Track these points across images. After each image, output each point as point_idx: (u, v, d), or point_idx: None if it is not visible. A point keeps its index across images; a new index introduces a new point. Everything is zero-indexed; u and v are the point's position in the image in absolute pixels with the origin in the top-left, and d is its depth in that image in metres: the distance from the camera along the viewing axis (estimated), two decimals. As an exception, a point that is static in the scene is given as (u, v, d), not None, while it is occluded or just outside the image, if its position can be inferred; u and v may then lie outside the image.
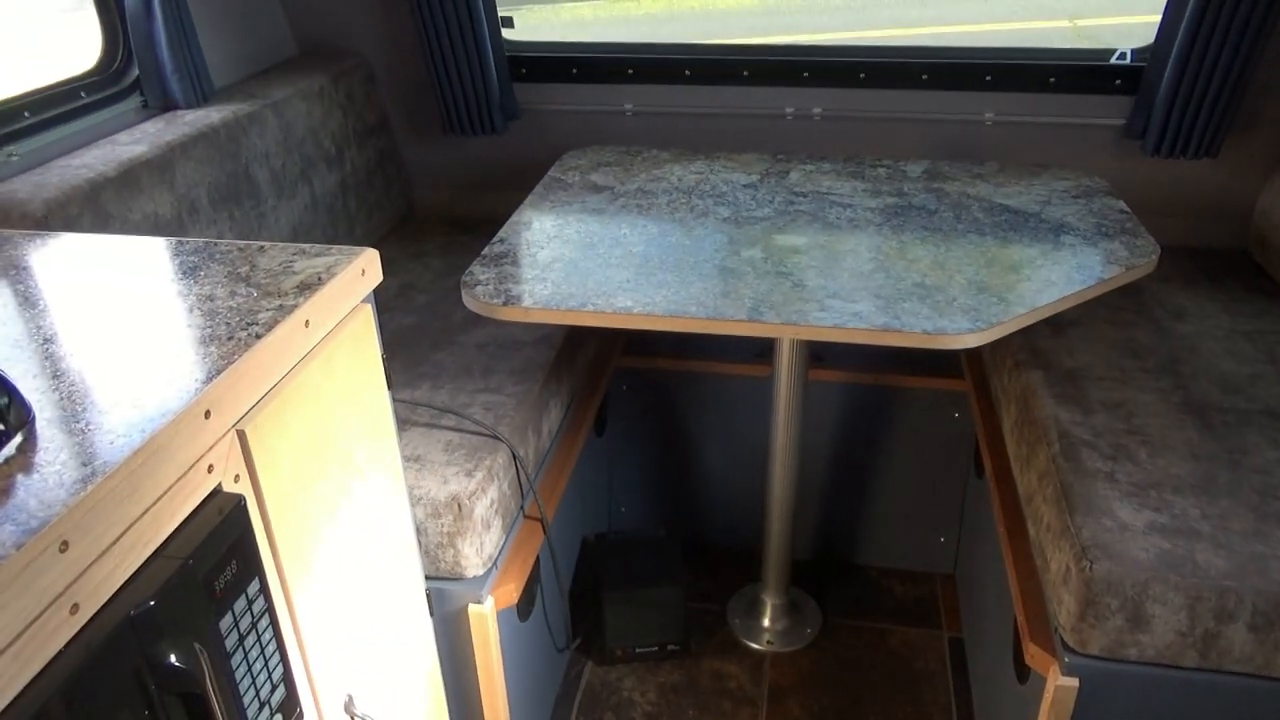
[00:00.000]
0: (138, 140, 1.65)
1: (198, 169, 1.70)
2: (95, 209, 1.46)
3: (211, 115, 1.80)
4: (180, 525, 0.82)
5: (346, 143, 2.22)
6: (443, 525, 1.44)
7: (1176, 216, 2.25)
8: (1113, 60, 2.19)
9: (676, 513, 2.43)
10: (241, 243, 1.19)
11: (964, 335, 1.34)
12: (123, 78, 1.77)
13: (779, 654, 2.17)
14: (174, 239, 1.21)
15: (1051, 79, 2.18)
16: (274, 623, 0.93)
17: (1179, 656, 1.30)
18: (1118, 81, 2.16)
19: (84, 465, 0.75)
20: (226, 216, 1.76)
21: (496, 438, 1.56)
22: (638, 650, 2.12)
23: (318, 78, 2.15)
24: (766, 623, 2.22)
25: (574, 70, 2.34)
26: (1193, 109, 2.07)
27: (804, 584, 2.33)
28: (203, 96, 1.86)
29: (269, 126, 1.93)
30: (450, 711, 1.54)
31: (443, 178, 2.55)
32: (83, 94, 1.68)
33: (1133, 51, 2.18)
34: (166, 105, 1.82)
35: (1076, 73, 2.18)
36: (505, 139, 2.45)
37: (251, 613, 0.89)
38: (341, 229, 2.19)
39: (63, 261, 1.16)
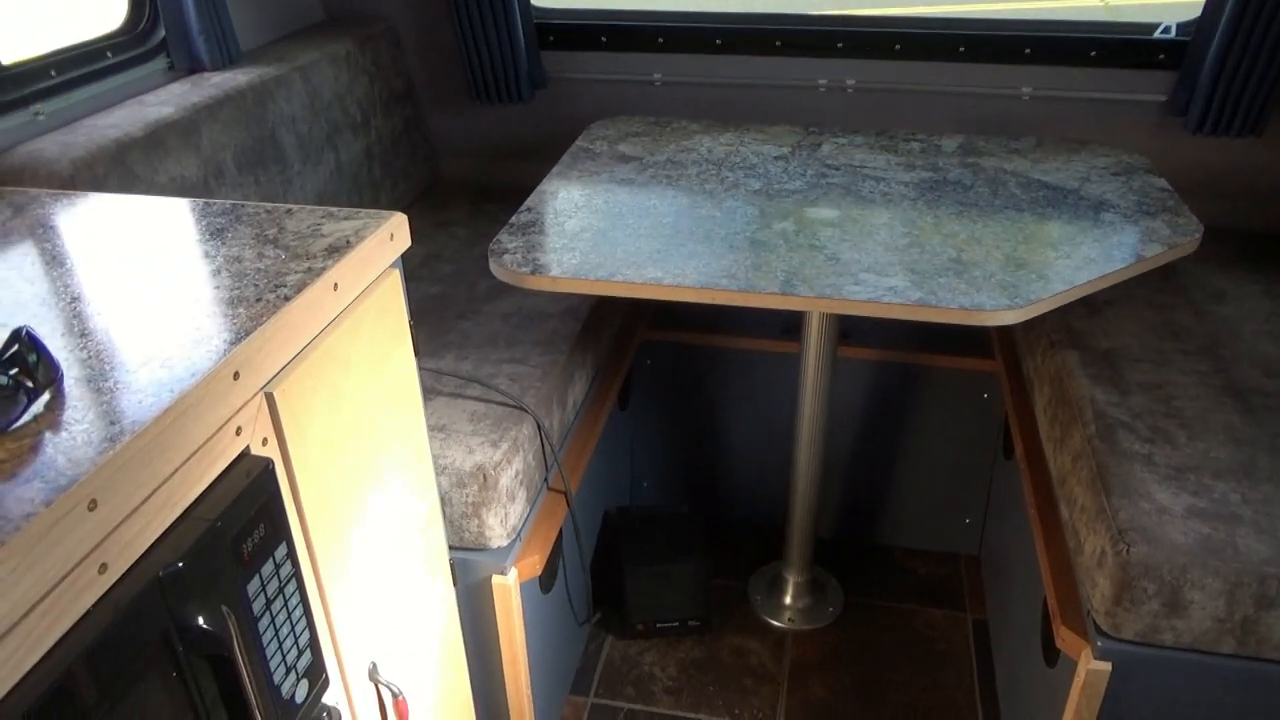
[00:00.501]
0: (164, 102, 1.63)
1: (224, 132, 1.68)
2: (122, 170, 1.45)
3: (238, 78, 1.78)
4: (208, 487, 0.81)
5: (373, 109, 2.20)
6: (467, 495, 1.43)
7: (1217, 196, 2.20)
8: (1156, 34, 2.12)
9: (699, 488, 2.41)
10: (269, 205, 1.17)
11: (1002, 312, 1.31)
12: (149, 39, 1.76)
13: (800, 632, 2.15)
14: (201, 200, 1.20)
15: (1092, 53, 2.12)
16: (300, 587, 0.92)
17: (1216, 643, 1.28)
18: (1161, 56, 2.11)
19: (112, 424, 0.74)
20: (252, 181, 1.75)
21: (522, 409, 1.54)
22: (658, 625, 2.12)
23: (344, 42, 2.13)
24: (788, 600, 2.21)
25: (602, 38, 2.30)
26: (1238, 86, 2.01)
27: (827, 563, 2.31)
28: (229, 59, 1.84)
29: (295, 91, 1.91)
30: (472, 681, 1.53)
31: (469, 146, 2.52)
32: (109, 54, 1.66)
33: (1177, 25, 2.12)
34: (193, 67, 1.80)
35: (1118, 47, 2.12)
36: (532, 108, 2.42)
37: (279, 576, 0.88)
38: (367, 196, 2.17)
39: (90, 221, 1.15)
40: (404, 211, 2.33)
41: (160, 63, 1.77)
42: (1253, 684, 1.30)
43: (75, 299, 0.95)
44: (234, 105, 1.72)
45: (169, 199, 1.20)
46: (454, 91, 2.44)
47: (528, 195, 1.72)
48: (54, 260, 1.05)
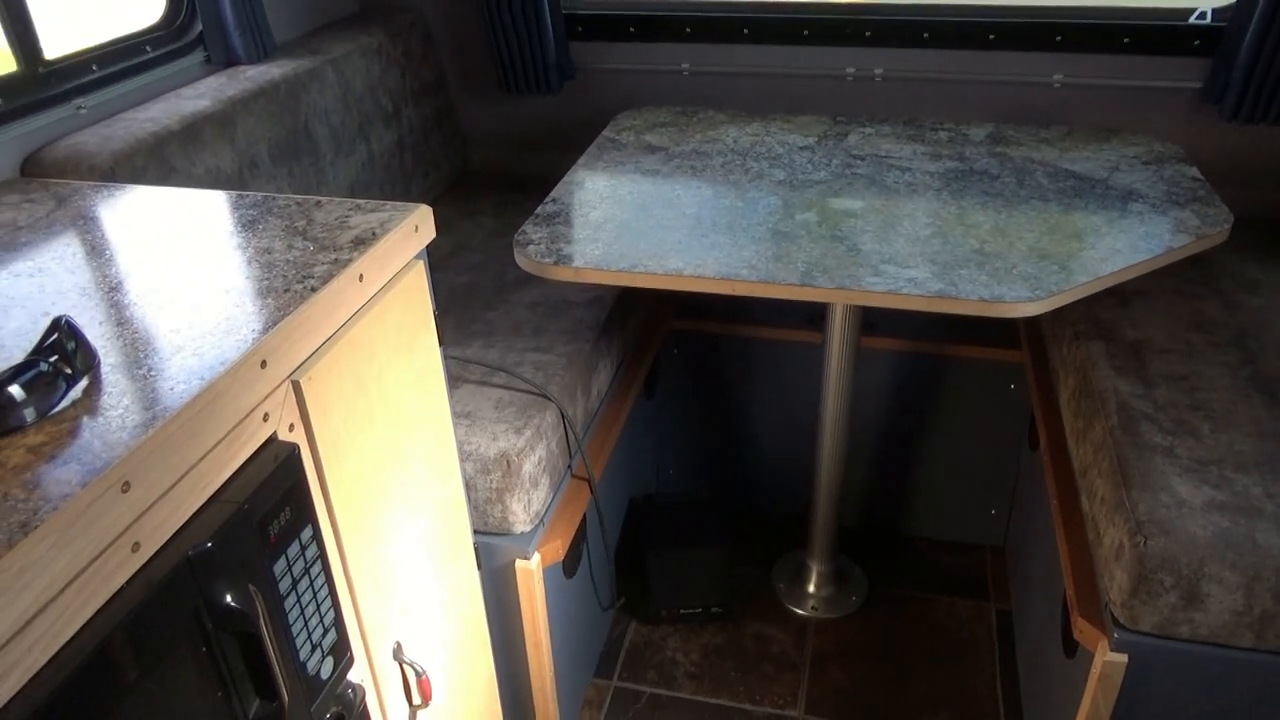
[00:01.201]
0: (200, 95, 1.67)
1: (259, 124, 1.72)
2: (159, 162, 1.49)
3: (272, 71, 1.82)
4: (236, 471, 0.85)
5: (404, 100, 2.23)
6: (491, 481, 1.46)
7: (1253, 185, 2.16)
8: (1191, 20, 2.09)
9: (724, 477, 2.43)
10: (299, 197, 1.21)
11: (1022, 304, 1.31)
12: (186, 33, 1.80)
13: (823, 620, 2.17)
14: (234, 192, 1.24)
15: (1125, 39, 2.10)
16: (326, 568, 0.96)
17: (1233, 636, 1.27)
18: (1196, 42, 2.07)
19: (146, 410, 0.78)
20: (286, 172, 1.79)
21: (546, 397, 1.57)
22: (682, 611, 2.14)
23: (376, 34, 2.16)
24: (812, 589, 2.22)
25: (631, 28, 2.31)
26: (1275, 73, 1.98)
27: (850, 552, 2.32)
28: (264, 52, 1.88)
29: (328, 83, 1.95)
30: (496, 664, 1.57)
31: (498, 137, 2.55)
32: (148, 48, 1.71)
33: (1213, 11, 2.09)
34: (229, 61, 1.85)
35: (1152, 33, 2.09)
36: (561, 99, 2.44)
37: (305, 558, 0.92)
38: (398, 187, 2.21)
39: (128, 213, 1.19)
40: (434, 202, 2.38)
41: (197, 56, 1.81)
42: (1271, 677, 1.29)
43: (114, 289, 0.99)
44: (268, 98, 1.76)
45: (204, 191, 1.24)
46: (484, 82, 2.47)
47: (555, 186, 1.75)
48: (94, 251, 1.09)
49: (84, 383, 0.81)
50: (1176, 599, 1.26)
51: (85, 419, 0.77)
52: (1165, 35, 2.08)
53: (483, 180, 2.52)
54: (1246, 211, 2.14)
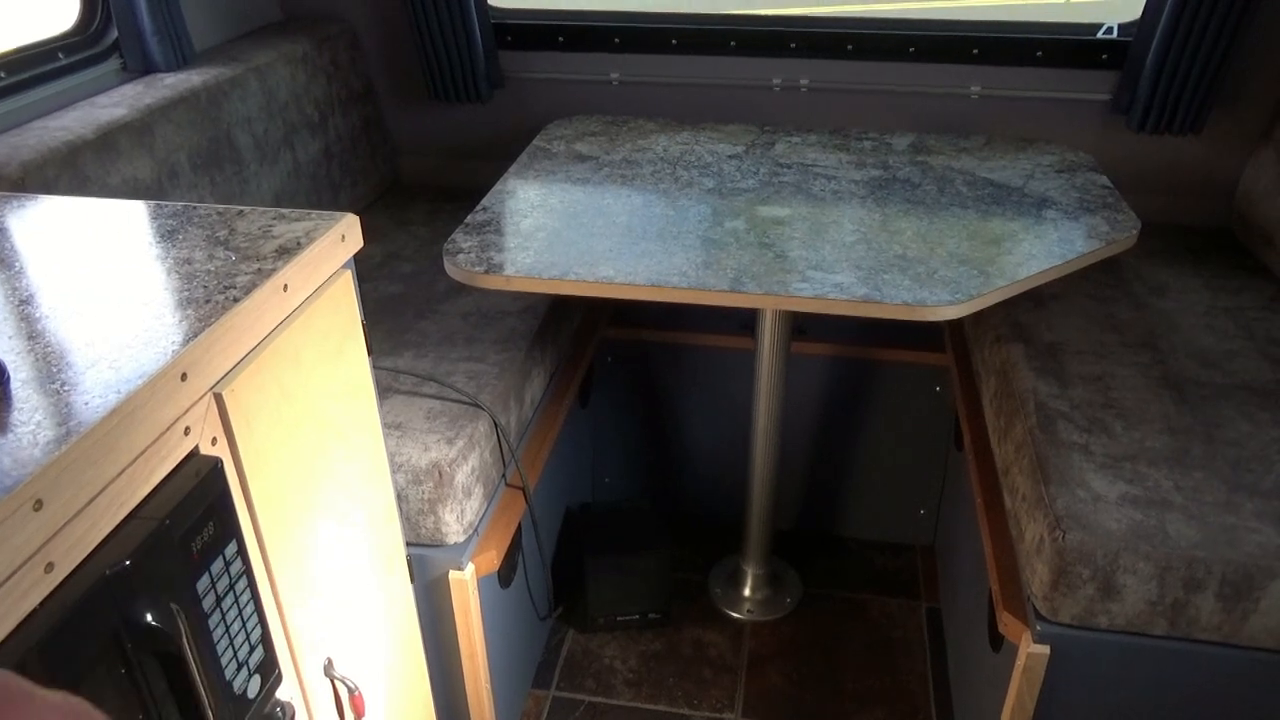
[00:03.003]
0: (117, 103, 1.63)
1: (178, 133, 1.68)
2: (73, 172, 1.44)
3: (192, 79, 1.78)
4: (157, 487, 0.83)
5: (331, 109, 2.20)
6: (423, 492, 1.44)
7: (1160, 193, 2.26)
8: (1099, 35, 2.18)
9: (660, 484, 2.44)
10: (221, 207, 1.18)
11: (943, 307, 1.35)
12: (101, 39, 1.75)
13: (759, 623, 2.19)
14: (152, 202, 1.21)
15: (1038, 53, 2.18)
16: (251, 584, 0.94)
17: (1148, 625, 1.33)
18: (1104, 56, 2.16)
19: (59, 425, 0.75)
20: (208, 182, 1.75)
21: (478, 406, 1.56)
22: (619, 618, 2.14)
23: (301, 42, 2.13)
24: (747, 592, 2.25)
25: (560, 38, 2.32)
26: (1178, 84, 2.08)
27: (785, 554, 2.35)
28: (183, 60, 1.84)
29: (251, 91, 1.91)
30: (431, 677, 1.55)
31: (428, 146, 2.53)
32: (60, 55, 1.66)
33: (1119, 26, 2.18)
34: (146, 69, 1.80)
35: (1063, 47, 2.17)
36: (491, 107, 2.43)
37: (229, 574, 0.90)
38: (325, 196, 2.17)
39: (40, 224, 1.15)
40: (364, 211, 2.35)
41: (113, 64, 1.76)
42: (1183, 664, 1.35)
43: (24, 301, 0.96)
44: (188, 106, 1.72)
45: (121, 201, 1.21)
46: (413, 91, 2.45)
47: (486, 195, 1.74)
48: (2, 262, 1.05)
49: (-8, 399, 0.79)
50: (1094, 590, 1.31)
51: (-6, 436, 0.74)
52: (1076, 49, 2.17)
53: (414, 189, 2.49)
54: (1154, 218, 2.24)
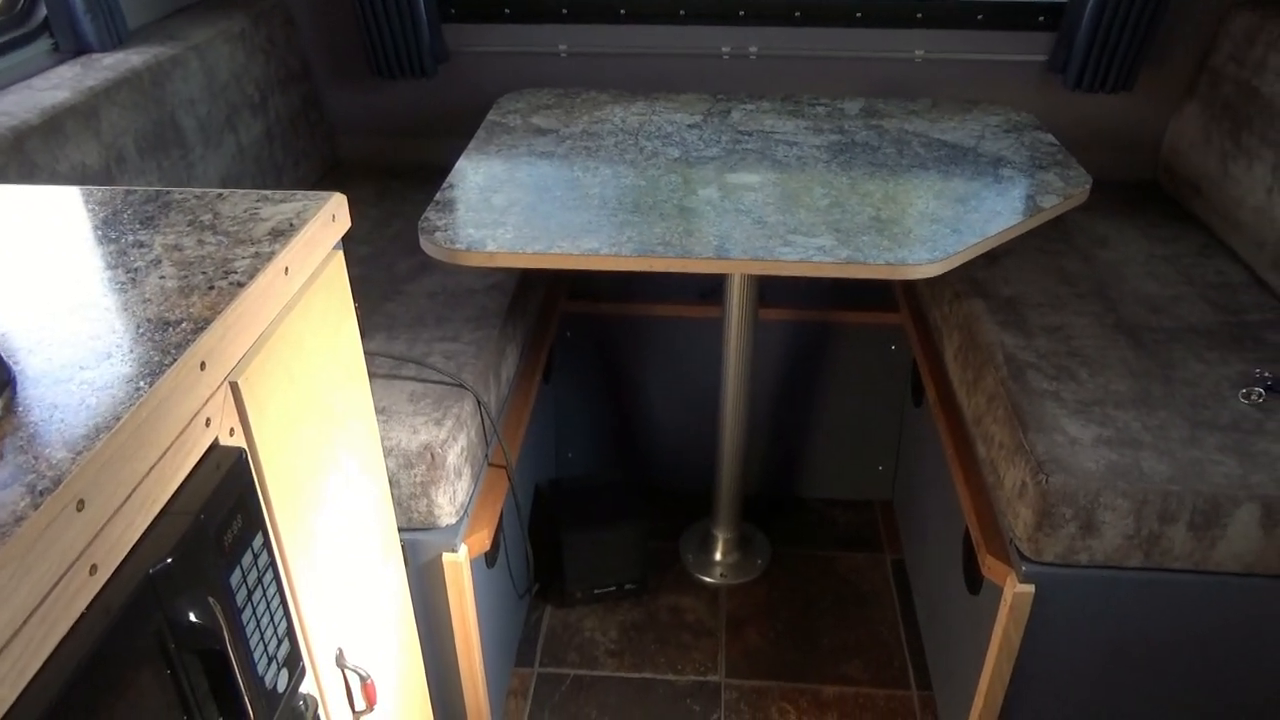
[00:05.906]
0: (56, 86, 1.54)
1: (124, 116, 1.60)
2: (21, 159, 1.36)
3: (132, 59, 1.70)
4: (184, 481, 0.80)
5: (270, 89, 2.12)
6: (415, 475, 1.42)
7: (1096, 148, 2.35)
8: (1035, -4, 2.24)
9: (624, 456, 2.45)
10: (198, 190, 1.14)
11: (925, 265, 1.39)
12: (29, 19, 1.65)
13: (733, 586, 2.23)
14: (123, 188, 1.15)
15: (979, 16, 2.23)
16: (277, 576, 0.92)
17: (1125, 558, 1.40)
18: (1041, 18, 2.23)
19: (88, 422, 0.72)
20: (155, 167, 1.67)
21: (462, 385, 1.54)
22: (596, 591, 2.15)
23: (237, 19, 2.04)
24: (719, 557, 2.28)
25: (506, 9, 2.28)
26: (1110, 43, 2.15)
27: (754, 518, 2.39)
28: (118, 39, 1.75)
29: (192, 71, 1.83)
30: (425, 662, 1.54)
31: (370, 124, 2.46)
32: (-13, 37, 1.56)
33: (1054, -12, 2.25)
34: (79, 48, 1.70)
35: (1002, 9, 2.23)
36: (435, 83, 2.37)
37: (258, 566, 0.88)
38: (270, 179, 2.10)
39: (2, 213, 1.08)
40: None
41: (44, 44, 1.67)
42: (1158, 592, 1.43)
43: (13, 297, 0.91)
44: (131, 88, 1.63)
45: (89, 188, 1.15)
46: (353, 67, 2.38)
47: (435, 172, 1.71)
48: (-26, 258, 0.99)
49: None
50: (1076, 529, 1.37)
51: (10, 439, 0.71)
52: (1014, 11, 2.23)
53: (357, 169, 2.43)
54: (1092, 172, 2.33)
